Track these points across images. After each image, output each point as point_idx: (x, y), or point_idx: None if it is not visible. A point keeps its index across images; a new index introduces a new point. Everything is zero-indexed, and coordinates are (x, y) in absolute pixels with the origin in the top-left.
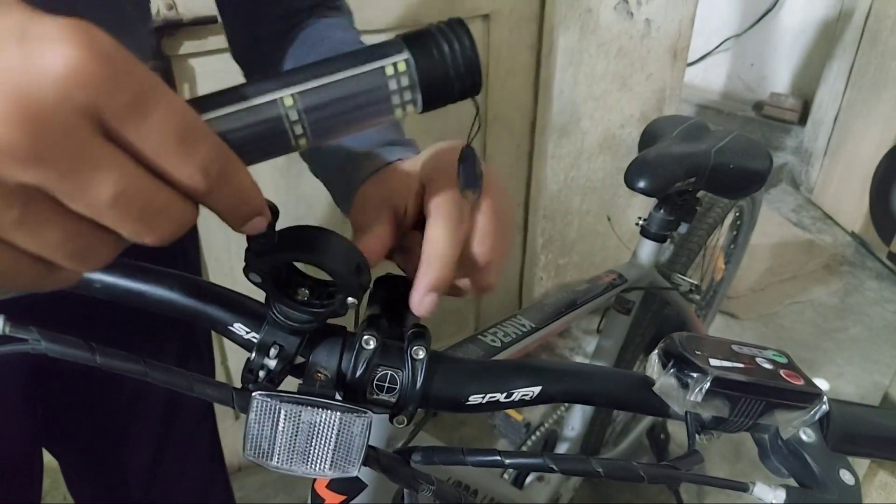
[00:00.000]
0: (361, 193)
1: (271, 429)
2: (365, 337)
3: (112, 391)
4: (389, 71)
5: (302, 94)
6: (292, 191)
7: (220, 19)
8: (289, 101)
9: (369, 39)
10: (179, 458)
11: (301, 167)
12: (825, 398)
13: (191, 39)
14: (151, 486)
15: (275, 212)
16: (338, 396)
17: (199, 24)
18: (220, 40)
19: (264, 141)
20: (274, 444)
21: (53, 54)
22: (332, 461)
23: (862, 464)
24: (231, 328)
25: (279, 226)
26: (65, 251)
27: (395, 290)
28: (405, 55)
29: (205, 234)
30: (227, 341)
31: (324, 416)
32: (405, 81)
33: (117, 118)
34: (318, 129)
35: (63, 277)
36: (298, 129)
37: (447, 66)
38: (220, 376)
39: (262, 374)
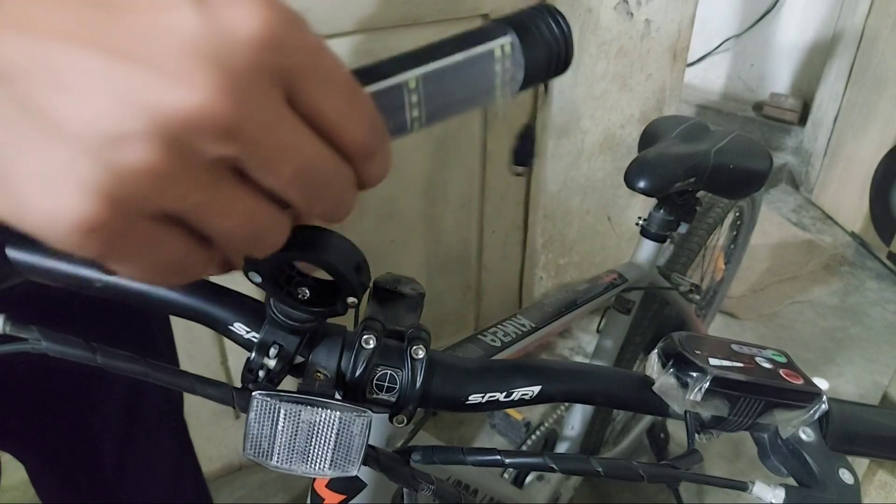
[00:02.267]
0: None
1: (271, 428)
2: (365, 336)
3: (69, 390)
4: (497, 53)
5: (424, 76)
6: None
7: None
8: (412, 84)
9: (369, 40)
10: (145, 455)
11: None
12: (824, 397)
13: None
14: (119, 484)
15: None
16: (337, 396)
17: None
18: None
19: (388, 125)
20: (274, 443)
21: (242, 16)
22: (331, 460)
23: (861, 463)
24: (231, 328)
25: None
26: (244, 234)
27: (395, 290)
28: (510, 37)
29: None
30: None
31: (323, 416)
32: (508, 64)
33: (303, 81)
34: (431, 111)
35: (225, 265)
36: (416, 112)
37: (548, 46)
38: (220, 376)
39: (261, 373)
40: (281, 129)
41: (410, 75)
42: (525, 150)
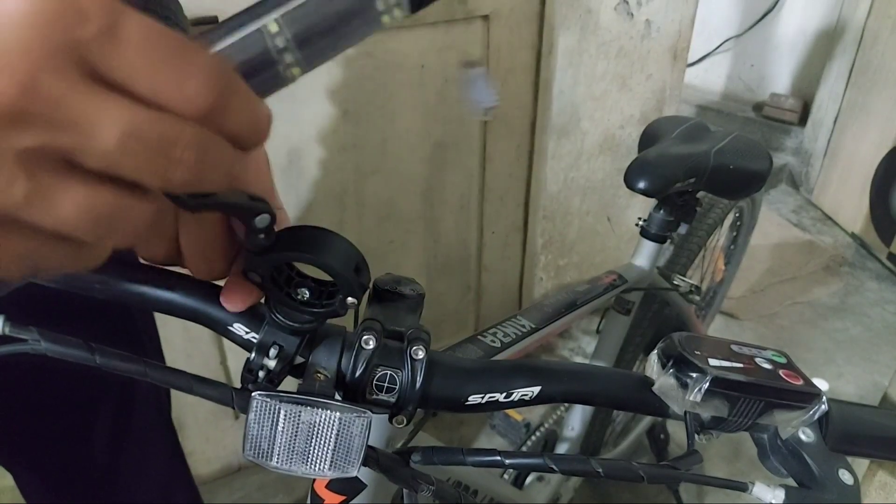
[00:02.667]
0: None
1: (271, 429)
2: (364, 337)
3: (57, 395)
4: None
5: (284, 16)
6: (292, 190)
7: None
8: (273, 28)
9: (369, 41)
10: (135, 460)
11: (301, 166)
12: (824, 398)
13: None
14: (108, 489)
15: (272, 214)
16: (337, 396)
17: (198, 25)
18: None
19: (256, 76)
20: (273, 444)
21: None
22: (331, 461)
23: (861, 464)
24: (231, 328)
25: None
26: (88, 221)
27: (395, 291)
28: None
29: None
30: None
31: (323, 416)
32: None
33: (97, 49)
34: (308, 53)
35: (93, 255)
36: (289, 58)
37: None
38: (219, 376)
39: (261, 374)
40: (83, 105)
41: (268, 19)
42: (482, 89)
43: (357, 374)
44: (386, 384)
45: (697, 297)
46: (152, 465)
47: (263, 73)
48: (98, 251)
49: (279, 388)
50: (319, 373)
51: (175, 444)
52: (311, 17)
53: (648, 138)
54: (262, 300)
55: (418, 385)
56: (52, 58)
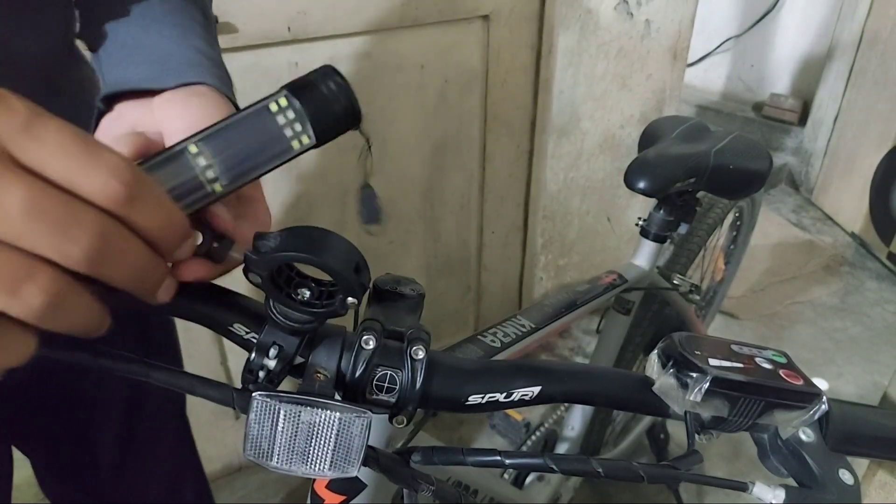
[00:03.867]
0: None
1: (271, 429)
2: (364, 337)
3: (74, 387)
4: (273, 108)
5: (204, 139)
6: (292, 190)
7: None
8: (193, 149)
9: (369, 41)
10: (147, 454)
11: (301, 168)
12: (824, 398)
13: None
14: (120, 483)
15: (227, 239)
16: (337, 396)
17: None
18: None
19: (183, 189)
20: (274, 444)
21: None
22: (331, 461)
23: (861, 463)
24: (231, 328)
25: (280, 226)
26: (36, 308)
27: (395, 291)
28: (283, 93)
29: None
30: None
31: (323, 417)
32: (291, 115)
33: (17, 137)
34: (230, 170)
35: (19, 340)
36: (210, 174)
37: (327, 99)
38: (220, 376)
39: (261, 374)
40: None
41: (189, 141)
42: (371, 209)
43: (357, 374)
44: (386, 384)
45: (697, 297)
46: (163, 461)
47: (190, 187)
48: (25, 339)
49: (279, 388)
50: (319, 373)
51: (188, 438)
52: (228, 141)
53: (648, 138)
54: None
55: (418, 385)
56: None
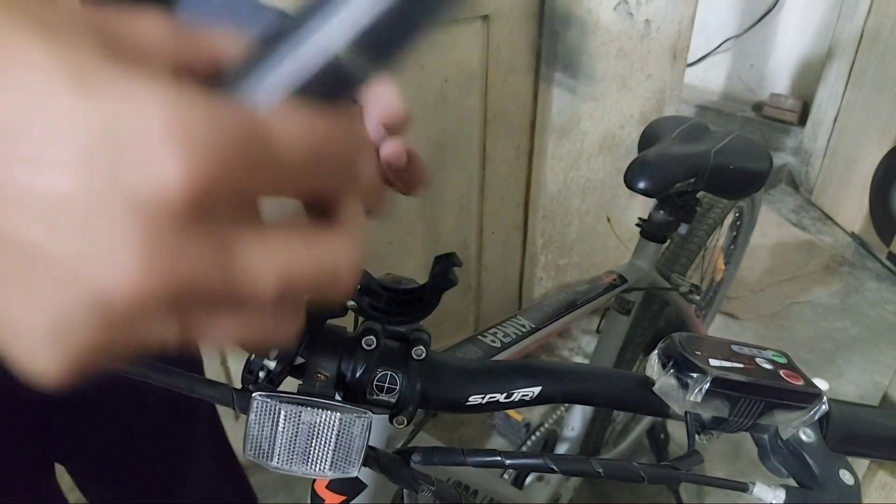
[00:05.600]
0: None
1: (271, 429)
2: (365, 338)
3: (111, 396)
4: None
5: (353, 26)
6: None
7: None
8: (342, 46)
9: None
10: (184, 451)
11: None
12: (825, 398)
13: None
14: (161, 482)
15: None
16: (338, 397)
17: None
18: None
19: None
20: (274, 444)
21: (161, 162)
22: (331, 461)
23: (861, 464)
24: None
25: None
26: (252, 337)
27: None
28: None
29: None
30: None
31: (324, 417)
32: None
33: (248, 195)
34: (377, 51)
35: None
36: (351, 58)
37: None
38: (220, 376)
39: (261, 374)
40: (231, 267)
41: (336, 40)
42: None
43: (357, 374)
44: (386, 385)
45: (697, 297)
46: (200, 453)
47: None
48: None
49: (279, 388)
50: (320, 373)
51: (225, 445)
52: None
53: (648, 138)
54: None
55: (418, 385)
56: (192, 223)
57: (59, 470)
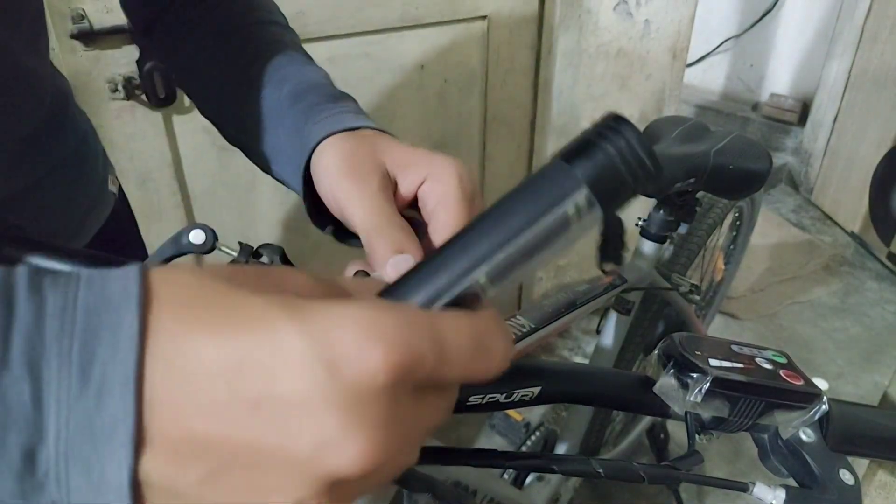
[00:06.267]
0: (335, 150)
1: None
2: None
3: None
4: (571, 211)
5: (493, 267)
6: (292, 192)
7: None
8: (482, 279)
9: (369, 41)
10: None
11: None
12: (825, 398)
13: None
14: None
15: None
16: None
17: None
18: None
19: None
20: None
21: (365, 369)
22: None
23: (861, 463)
24: None
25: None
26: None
27: None
28: (584, 191)
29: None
30: None
31: None
32: (584, 208)
33: (430, 377)
34: (503, 278)
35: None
36: (487, 286)
37: (621, 175)
38: None
39: None
40: (419, 426)
41: (481, 272)
42: (613, 248)
43: None
44: None
45: (697, 297)
46: None
47: (468, 303)
48: None
49: None
50: None
51: None
52: (513, 260)
53: (648, 138)
54: None
55: None
56: (400, 402)
57: None
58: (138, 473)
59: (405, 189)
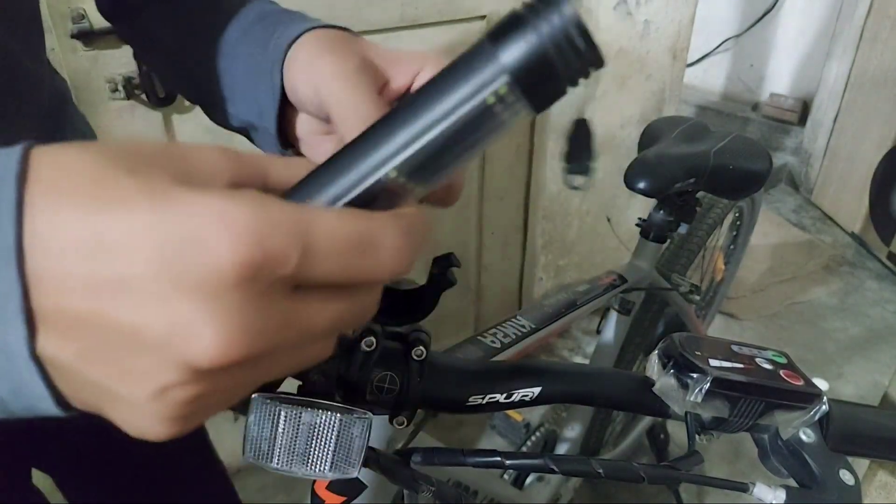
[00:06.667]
0: (314, 40)
1: (271, 430)
2: (364, 339)
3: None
4: (491, 100)
5: (404, 162)
6: None
7: None
8: (392, 174)
9: (368, 39)
10: (169, 461)
11: None
12: (825, 398)
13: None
14: (146, 489)
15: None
16: (337, 398)
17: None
18: None
19: (377, 203)
20: (274, 445)
21: (214, 254)
22: (332, 462)
23: (861, 464)
24: None
25: None
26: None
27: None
28: (504, 78)
29: None
30: None
31: (323, 418)
32: (507, 96)
33: (296, 274)
34: (425, 177)
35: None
36: (405, 183)
37: (552, 61)
38: None
39: None
40: (293, 321)
41: (388, 167)
42: (580, 153)
43: (357, 375)
44: (386, 385)
45: (697, 297)
46: (189, 471)
47: (385, 200)
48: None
49: (279, 389)
50: (320, 374)
51: (208, 449)
52: (429, 154)
53: (648, 138)
54: None
55: (418, 386)
56: (264, 294)
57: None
58: (38, 346)
59: (398, 83)
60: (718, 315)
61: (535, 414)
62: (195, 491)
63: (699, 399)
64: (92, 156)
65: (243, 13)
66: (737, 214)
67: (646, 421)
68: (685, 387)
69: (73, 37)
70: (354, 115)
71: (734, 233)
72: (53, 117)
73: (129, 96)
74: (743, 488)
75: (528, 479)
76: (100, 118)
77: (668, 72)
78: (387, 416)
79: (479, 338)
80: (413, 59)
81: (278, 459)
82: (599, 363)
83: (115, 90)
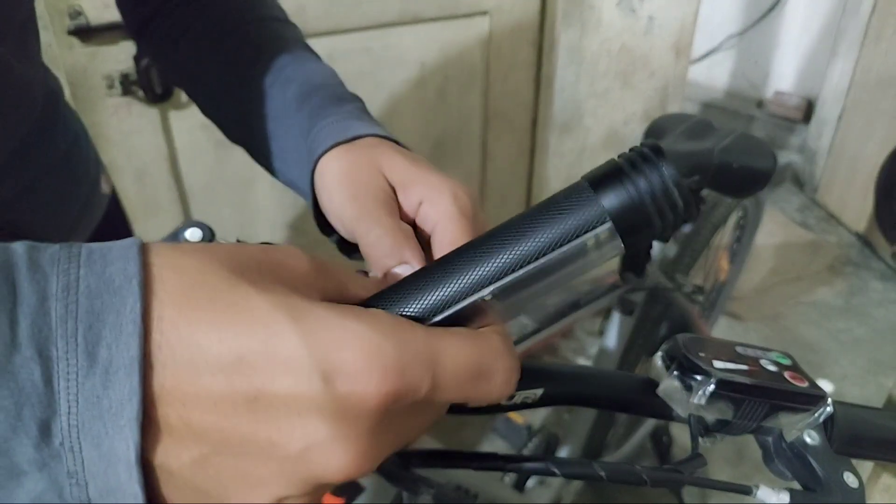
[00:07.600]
0: (338, 164)
1: None
2: None
3: None
4: (591, 242)
5: (501, 286)
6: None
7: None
8: (488, 297)
9: (368, 37)
10: None
11: None
12: (829, 400)
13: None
14: None
15: None
16: None
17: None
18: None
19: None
20: None
21: (363, 393)
22: None
23: (866, 466)
24: None
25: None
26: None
27: None
28: (608, 224)
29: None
30: None
31: None
32: (604, 239)
33: (423, 401)
34: (508, 296)
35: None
36: (492, 303)
37: (648, 214)
38: None
39: None
40: (411, 437)
41: (486, 291)
42: (638, 259)
43: None
44: None
45: (701, 297)
46: None
47: (473, 317)
48: None
49: None
50: None
51: None
52: (523, 283)
53: (651, 135)
54: None
55: None
56: (393, 421)
57: None
58: (145, 451)
59: (407, 208)
60: (722, 316)
61: (537, 416)
62: None
63: (703, 401)
64: (211, 265)
65: (289, 69)
66: (741, 213)
67: (649, 423)
68: (689, 389)
69: (70, 33)
70: (380, 248)
71: (738, 232)
72: (47, 119)
73: (125, 92)
74: (746, 491)
75: (530, 482)
76: (97, 114)
77: (671, 69)
78: None
79: None
80: (416, 188)
81: None
82: (602, 365)
83: (112, 86)
